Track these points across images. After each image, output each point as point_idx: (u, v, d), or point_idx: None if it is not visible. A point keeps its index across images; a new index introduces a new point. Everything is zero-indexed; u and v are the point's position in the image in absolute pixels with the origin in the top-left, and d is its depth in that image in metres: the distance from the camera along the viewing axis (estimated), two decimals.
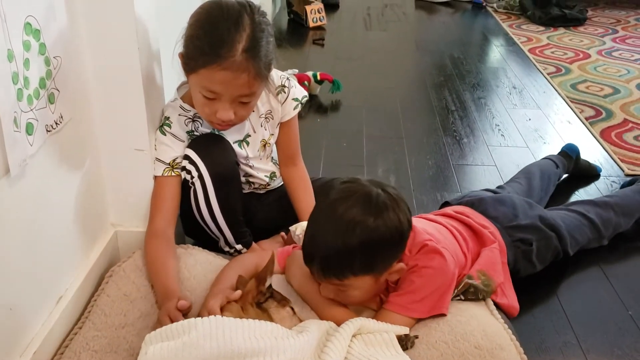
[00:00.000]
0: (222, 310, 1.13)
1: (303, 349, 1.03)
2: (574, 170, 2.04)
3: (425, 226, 1.35)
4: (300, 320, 1.18)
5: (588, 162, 2.10)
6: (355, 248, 1.13)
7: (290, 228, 1.47)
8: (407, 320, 1.22)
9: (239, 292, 1.17)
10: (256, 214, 1.58)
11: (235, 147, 1.46)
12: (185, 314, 1.16)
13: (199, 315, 1.14)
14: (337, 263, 1.16)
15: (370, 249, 1.14)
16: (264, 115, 1.49)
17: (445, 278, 1.25)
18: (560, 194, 1.97)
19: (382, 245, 1.15)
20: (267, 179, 1.56)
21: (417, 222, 1.37)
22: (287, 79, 1.49)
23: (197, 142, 1.41)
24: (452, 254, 1.29)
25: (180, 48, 1.30)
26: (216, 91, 1.28)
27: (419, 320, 1.24)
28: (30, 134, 1.05)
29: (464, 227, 1.45)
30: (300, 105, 1.53)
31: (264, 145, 1.52)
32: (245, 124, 1.47)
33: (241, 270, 1.29)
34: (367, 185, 1.18)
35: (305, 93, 1.55)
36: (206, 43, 1.24)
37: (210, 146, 1.39)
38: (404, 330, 1.18)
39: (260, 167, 1.54)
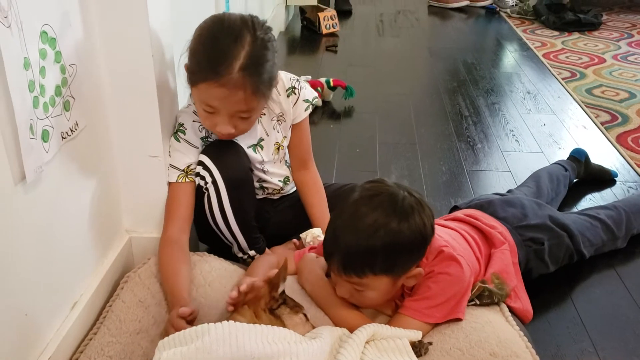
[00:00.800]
0: (248, 303, 1.15)
1: (316, 354, 1.03)
2: (586, 174, 2.03)
3: (440, 232, 1.35)
4: (313, 327, 1.18)
5: (600, 165, 2.09)
6: (377, 249, 1.13)
7: (300, 235, 1.47)
8: (423, 325, 1.21)
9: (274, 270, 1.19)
10: (270, 219, 1.58)
11: (250, 151, 1.47)
12: (191, 321, 1.16)
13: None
14: (358, 261, 1.16)
15: (393, 252, 1.15)
16: (276, 118, 1.50)
17: (462, 285, 1.24)
18: (575, 199, 1.96)
19: (405, 248, 1.16)
20: (280, 184, 1.57)
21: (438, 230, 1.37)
22: (297, 80, 1.50)
23: (211, 148, 1.41)
24: (468, 262, 1.28)
25: (185, 59, 1.31)
26: (214, 106, 1.29)
27: (434, 326, 1.23)
28: (46, 141, 1.07)
29: (475, 230, 1.45)
30: (311, 106, 1.53)
31: (278, 148, 1.53)
32: (257, 128, 1.47)
33: (267, 267, 1.30)
34: (392, 186, 1.19)
35: (315, 94, 1.56)
36: (205, 59, 1.25)
37: (223, 152, 1.40)
38: (417, 335, 1.18)
39: (274, 172, 1.54)
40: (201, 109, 1.33)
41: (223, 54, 1.24)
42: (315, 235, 1.47)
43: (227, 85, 1.24)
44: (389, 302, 1.28)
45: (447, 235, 1.36)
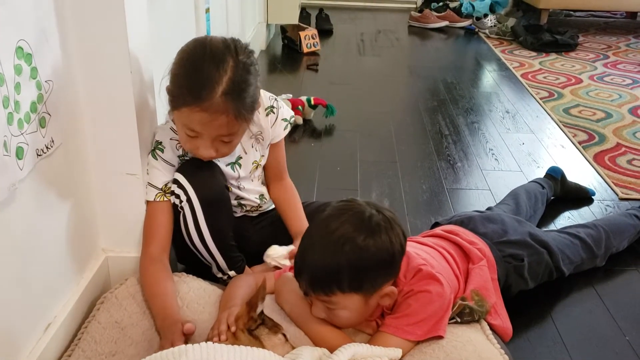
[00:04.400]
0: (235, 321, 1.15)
1: None
2: (563, 192, 2.05)
3: (418, 251, 1.35)
4: (293, 347, 1.16)
5: (577, 183, 2.12)
6: (342, 266, 1.14)
7: (264, 259, 1.48)
8: (404, 342, 1.20)
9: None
10: (250, 238, 1.56)
11: (228, 169, 1.46)
12: (188, 339, 1.14)
13: (211, 329, 1.17)
14: (325, 278, 1.16)
15: (358, 269, 1.15)
16: (254, 137, 1.49)
17: (443, 303, 1.24)
18: (554, 216, 1.97)
19: (371, 265, 1.16)
20: (258, 201, 1.56)
21: (408, 246, 1.36)
22: (275, 99, 1.50)
23: (186, 166, 1.40)
24: (448, 280, 1.28)
25: (166, 82, 1.30)
26: (196, 130, 1.28)
27: (416, 344, 1.22)
28: (20, 158, 1.05)
29: (453, 246, 1.45)
30: (289, 125, 1.53)
31: (256, 167, 1.52)
32: (238, 147, 1.47)
33: (247, 289, 1.30)
34: (362, 205, 1.20)
35: (292, 113, 1.56)
36: (187, 83, 1.25)
37: (198, 170, 1.39)
38: (397, 353, 1.16)
39: (250, 188, 1.53)
40: (182, 133, 1.32)
41: (205, 78, 1.23)
42: (276, 251, 1.47)
43: (209, 110, 1.23)
44: (369, 322, 1.27)
45: (424, 253, 1.35)
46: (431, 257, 1.35)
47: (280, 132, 1.52)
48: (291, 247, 1.46)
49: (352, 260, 1.14)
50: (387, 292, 1.21)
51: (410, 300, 1.22)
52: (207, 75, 1.23)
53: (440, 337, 1.23)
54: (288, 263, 1.43)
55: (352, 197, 1.25)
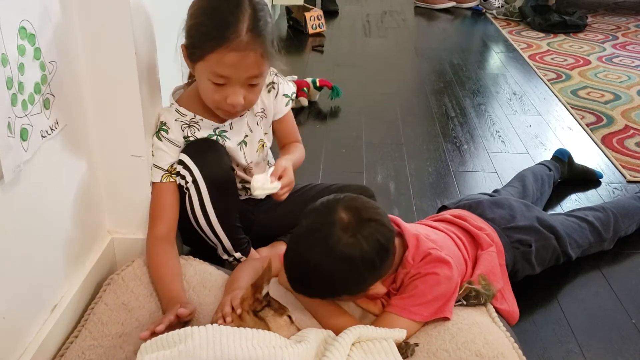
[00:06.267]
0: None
1: (302, 358, 1.01)
2: (570, 174, 2.04)
3: (429, 233, 1.34)
4: (298, 329, 1.17)
5: (585, 166, 2.10)
6: (314, 286, 1.19)
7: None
8: (410, 323, 1.21)
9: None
10: (254, 220, 1.56)
11: (237, 150, 1.45)
12: (187, 322, 1.14)
13: (216, 312, 1.17)
14: (306, 292, 1.23)
15: (333, 287, 1.18)
16: (259, 114, 1.48)
17: (450, 286, 1.24)
18: (560, 199, 1.96)
19: (341, 284, 1.18)
20: None
21: (419, 228, 1.37)
22: (275, 74, 1.49)
23: (191, 147, 1.39)
24: (457, 264, 1.28)
25: (182, 40, 1.30)
26: (226, 75, 1.27)
27: (422, 325, 1.23)
28: (24, 140, 1.04)
29: (462, 232, 1.45)
30: (291, 101, 1.52)
31: (262, 146, 1.51)
32: (244, 124, 1.46)
33: (253, 273, 1.30)
34: (335, 219, 1.15)
35: (294, 89, 1.55)
36: (211, 27, 1.25)
37: (204, 150, 1.38)
38: (402, 334, 1.16)
39: (257, 172, 1.52)
40: (209, 84, 1.30)
41: (228, 19, 1.24)
42: (259, 188, 1.34)
43: (239, 49, 1.24)
44: (374, 301, 1.28)
45: (435, 236, 1.35)
46: (442, 240, 1.35)
47: (282, 108, 1.51)
48: (271, 170, 1.37)
49: (323, 284, 1.17)
50: (375, 290, 1.22)
51: (418, 282, 1.23)
52: (230, 16, 1.24)
53: (447, 319, 1.23)
54: (278, 184, 1.35)
55: (336, 195, 1.23)
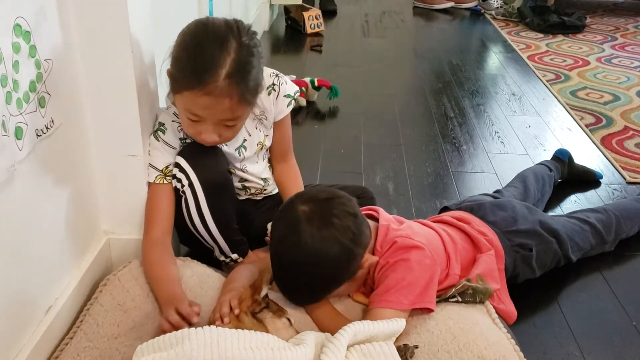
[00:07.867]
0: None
1: None
2: (571, 174, 2.03)
3: (412, 225, 1.37)
4: (297, 332, 1.15)
5: (584, 166, 2.09)
6: (310, 285, 1.23)
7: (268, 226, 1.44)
8: (394, 313, 1.20)
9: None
10: (253, 221, 1.55)
11: (234, 152, 1.44)
12: (189, 322, 1.13)
13: (213, 312, 1.17)
14: (305, 300, 1.27)
15: (325, 280, 1.22)
16: (257, 118, 1.47)
17: (423, 270, 1.24)
18: (560, 200, 1.96)
19: (332, 269, 1.20)
20: (262, 183, 1.53)
21: (410, 223, 1.39)
22: (277, 75, 1.46)
23: (188, 149, 1.38)
24: (434, 254, 1.28)
25: (168, 65, 1.27)
26: (199, 115, 1.26)
27: (408, 314, 1.23)
28: (19, 139, 1.03)
29: (460, 234, 1.44)
30: (293, 101, 1.49)
31: (261, 148, 1.50)
32: (242, 129, 1.44)
33: (250, 274, 1.30)
34: (299, 217, 1.19)
35: (297, 88, 1.52)
36: (189, 66, 1.22)
37: (200, 154, 1.36)
38: (401, 323, 1.15)
39: (254, 172, 1.51)
40: (185, 117, 1.29)
41: (208, 61, 1.20)
42: None
43: (213, 94, 1.20)
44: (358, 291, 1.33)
45: (419, 229, 1.37)
46: (424, 233, 1.36)
47: (284, 108, 1.48)
48: None
49: (317, 279, 1.21)
50: (370, 260, 1.24)
51: (388, 272, 1.24)
52: (210, 58, 1.20)
53: (430, 311, 1.24)
54: None
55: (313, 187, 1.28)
